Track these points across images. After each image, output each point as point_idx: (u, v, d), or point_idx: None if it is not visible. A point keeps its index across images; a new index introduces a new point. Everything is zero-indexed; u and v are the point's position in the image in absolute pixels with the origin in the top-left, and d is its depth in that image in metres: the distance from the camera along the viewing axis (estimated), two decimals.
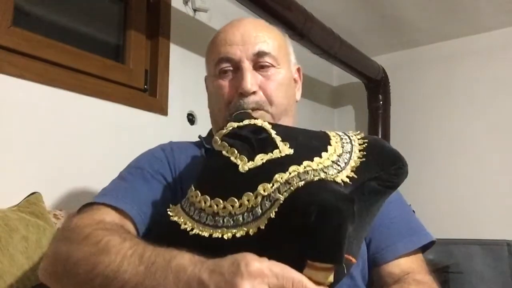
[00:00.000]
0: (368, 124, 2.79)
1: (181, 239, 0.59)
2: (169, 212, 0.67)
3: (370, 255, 0.82)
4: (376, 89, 2.76)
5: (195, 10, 1.95)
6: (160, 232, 0.69)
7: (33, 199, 1.09)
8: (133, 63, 1.70)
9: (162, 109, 1.74)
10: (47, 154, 1.32)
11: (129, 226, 0.72)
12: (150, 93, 1.74)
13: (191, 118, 1.89)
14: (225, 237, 0.58)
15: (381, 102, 2.75)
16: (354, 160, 0.64)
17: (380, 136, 2.71)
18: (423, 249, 0.85)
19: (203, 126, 1.88)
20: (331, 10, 2.35)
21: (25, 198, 1.10)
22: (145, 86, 1.74)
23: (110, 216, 0.71)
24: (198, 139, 0.95)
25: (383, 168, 0.64)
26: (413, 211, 2.49)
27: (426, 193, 2.60)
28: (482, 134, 2.55)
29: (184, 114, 1.86)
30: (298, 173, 0.59)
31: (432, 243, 0.85)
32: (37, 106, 1.32)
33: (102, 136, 1.49)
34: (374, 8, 2.36)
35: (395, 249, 0.81)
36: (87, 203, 0.75)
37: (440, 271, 2.29)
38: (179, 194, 0.73)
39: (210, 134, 0.98)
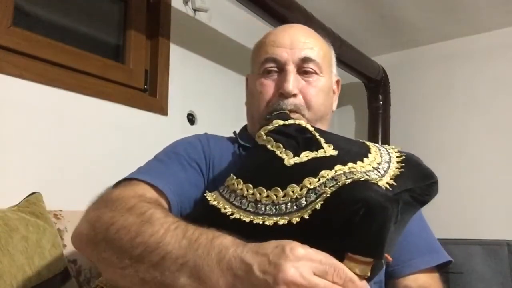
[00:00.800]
0: (368, 124, 2.79)
1: (220, 224, 0.59)
2: (208, 197, 0.68)
3: (389, 268, 0.84)
4: (376, 89, 2.76)
5: (195, 10, 1.95)
6: (197, 216, 0.69)
7: (33, 199, 1.09)
8: (133, 63, 1.70)
9: (162, 109, 1.74)
10: (47, 154, 1.32)
11: (165, 205, 0.73)
12: (150, 93, 1.74)
13: (191, 118, 1.89)
14: (267, 223, 0.58)
15: (381, 102, 2.75)
16: (393, 170, 0.67)
17: (380, 136, 2.71)
18: (439, 268, 0.88)
19: (203, 126, 1.88)
20: (331, 10, 2.35)
21: (25, 198, 1.10)
22: (145, 86, 1.74)
23: (150, 192, 0.72)
24: (232, 135, 0.96)
25: (416, 182, 0.66)
26: None
27: None
28: (482, 134, 2.55)
29: (184, 114, 1.86)
30: (344, 172, 0.61)
31: (448, 263, 0.88)
32: (37, 106, 1.32)
33: (102, 136, 1.49)
34: (374, 8, 2.36)
35: (414, 264, 0.83)
36: (125, 178, 0.76)
37: (440, 271, 2.29)
38: (211, 184, 0.75)
39: (244, 130, 0.99)
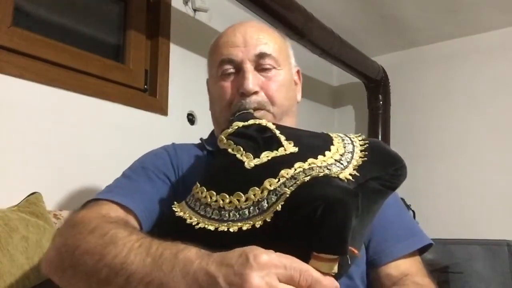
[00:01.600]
0: (368, 124, 2.79)
1: (186, 234, 0.59)
2: (174, 208, 0.67)
3: (369, 257, 0.83)
4: (376, 89, 2.76)
5: (195, 10, 1.95)
6: (165, 228, 0.69)
7: (33, 199, 1.09)
8: (133, 63, 1.70)
9: (162, 109, 1.74)
10: (47, 154, 1.32)
11: (134, 222, 0.73)
12: (150, 93, 1.74)
13: (191, 118, 1.89)
14: (231, 230, 0.58)
15: (381, 102, 2.75)
16: (356, 160, 0.66)
17: (380, 136, 2.71)
18: (421, 252, 0.86)
19: (203, 126, 1.88)
20: (331, 10, 2.35)
21: (25, 198, 1.10)
22: (145, 86, 1.74)
23: (115, 211, 0.72)
24: (199, 141, 0.96)
25: (383, 168, 0.66)
26: (413, 211, 2.50)
27: (426, 193, 2.60)
28: (482, 134, 2.55)
29: (184, 114, 1.86)
30: (304, 169, 0.61)
31: (429, 245, 0.86)
32: (37, 106, 1.32)
33: (102, 136, 1.49)
34: (374, 8, 2.36)
35: (393, 251, 0.82)
36: (91, 199, 0.76)
37: (440, 271, 2.29)
38: (181, 194, 0.74)
39: (212, 135, 0.99)
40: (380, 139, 2.69)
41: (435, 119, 2.72)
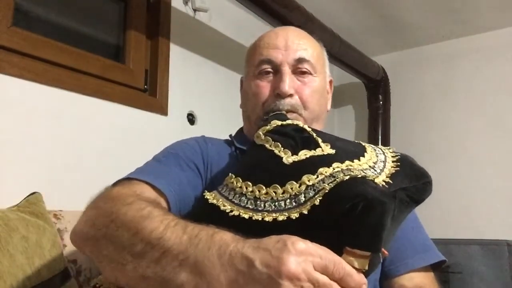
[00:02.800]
0: (368, 124, 2.79)
1: (219, 221, 0.59)
2: (206, 196, 0.68)
3: (384, 267, 0.84)
4: (376, 89, 2.76)
5: (195, 10, 1.95)
6: (196, 214, 0.69)
7: (33, 199, 1.09)
8: (133, 63, 1.70)
9: (162, 109, 1.74)
10: (47, 154, 1.32)
11: (164, 205, 0.73)
12: (150, 93, 1.74)
13: (191, 118, 1.89)
14: (266, 219, 0.59)
15: (381, 102, 2.75)
16: (388, 169, 0.68)
17: (380, 136, 2.71)
18: (434, 268, 0.88)
19: (203, 126, 1.88)
20: (331, 10, 2.35)
21: (25, 198, 1.10)
22: (145, 86, 1.74)
23: (148, 192, 0.72)
24: (228, 138, 0.97)
25: (411, 181, 0.67)
26: None
27: None
28: (482, 134, 2.55)
29: (184, 114, 1.86)
30: (342, 169, 0.62)
31: (443, 262, 0.88)
32: (37, 106, 1.32)
33: (102, 136, 1.49)
34: (374, 8, 2.36)
35: (408, 263, 0.84)
36: (123, 178, 0.76)
37: (440, 271, 2.29)
38: (209, 187, 0.75)
39: (240, 133, 1.00)
40: (380, 139, 2.69)
41: (435, 119, 2.72)
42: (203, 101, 1.91)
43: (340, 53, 2.30)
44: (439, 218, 2.52)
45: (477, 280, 2.39)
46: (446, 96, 2.70)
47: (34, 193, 1.12)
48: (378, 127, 2.74)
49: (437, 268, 0.88)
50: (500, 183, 2.46)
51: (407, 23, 2.53)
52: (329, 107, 0.99)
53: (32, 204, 1.06)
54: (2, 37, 1.26)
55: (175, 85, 1.81)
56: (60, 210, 1.18)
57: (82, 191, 1.37)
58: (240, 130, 1.00)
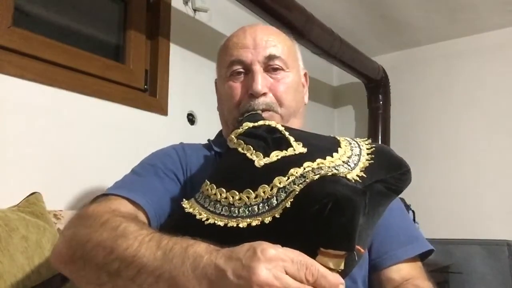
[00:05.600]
0: (368, 124, 2.79)
1: (196, 230, 0.60)
2: (183, 205, 0.68)
3: (371, 260, 0.84)
4: (376, 89, 2.76)
5: (195, 10, 1.95)
6: (174, 224, 0.70)
7: (33, 199, 1.09)
8: (133, 63, 1.70)
9: (162, 109, 1.74)
10: (47, 154, 1.32)
11: (143, 218, 0.74)
12: (150, 93, 1.74)
13: (191, 118, 1.89)
14: (241, 225, 0.59)
15: (381, 102, 2.75)
16: (363, 162, 0.68)
17: (380, 136, 2.71)
18: (422, 258, 0.87)
19: (203, 126, 1.88)
20: (331, 10, 2.35)
21: (25, 198, 1.10)
22: (145, 86, 1.74)
23: (125, 207, 0.73)
24: (206, 142, 0.97)
25: (389, 172, 0.67)
26: (413, 211, 2.50)
27: (426, 193, 2.60)
28: (482, 134, 2.55)
29: (184, 114, 1.86)
30: (312, 168, 0.62)
31: (430, 252, 0.87)
32: (37, 106, 1.32)
33: (102, 136, 1.49)
34: (374, 8, 2.36)
35: (395, 255, 0.83)
36: (101, 194, 0.76)
37: (440, 271, 2.29)
38: (189, 193, 0.75)
39: (219, 136, 1.00)
40: (380, 139, 2.69)
41: (435, 119, 2.72)
42: (203, 101, 1.91)
43: (340, 53, 2.30)
44: (439, 218, 2.52)
45: (477, 280, 2.39)
46: (446, 96, 2.70)
47: (34, 193, 1.12)
48: (378, 127, 2.74)
49: (425, 258, 0.88)
50: (500, 183, 2.46)
51: (407, 23, 2.53)
52: (306, 100, 0.98)
53: (32, 204, 1.06)
54: (2, 37, 1.26)
55: (175, 85, 1.81)
56: (60, 210, 1.18)
57: (82, 191, 1.38)
58: (220, 134, 1.00)
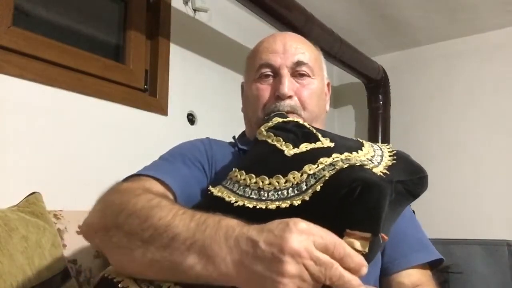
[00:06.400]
0: (368, 124, 2.79)
1: (225, 212, 0.60)
2: (211, 189, 0.70)
3: (383, 264, 0.86)
4: (376, 89, 2.77)
5: (195, 10, 1.95)
6: (202, 208, 0.71)
7: (33, 199, 1.09)
8: (133, 63, 1.70)
9: (162, 109, 1.74)
10: (47, 154, 1.32)
11: (171, 198, 0.76)
12: (150, 93, 1.74)
13: (191, 118, 1.89)
14: (270, 207, 0.61)
15: (381, 102, 2.75)
16: (385, 162, 0.70)
17: (380, 136, 2.72)
18: (431, 267, 0.89)
19: (203, 126, 1.88)
20: (331, 10, 2.35)
21: (25, 198, 1.10)
22: (145, 86, 1.74)
23: (156, 186, 0.75)
24: (232, 140, 0.99)
25: (409, 175, 0.69)
26: (413, 211, 2.50)
27: (426, 193, 2.59)
28: (482, 133, 2.55)
29: (184, 114, 1.86)
30: (341, 159, 0.65)
31: (441, 261, 0.89)
32: (37, 106, 1.32)
33: (102, 136, 1.49)
34: (374, 8, 2.37)
35: (406, 260, 0.85)
36: (132, 175, 0.78)
37: (440, 271, 2.29)
38: (214, 184, 0.76)
39: (243, 136, 1.02)
40: (380, 139, 2.69)
41: (435, 119, 2.72)
42: (203, 101, 1.91)
43: (340, 53, 2.30)
44: (439, 218, 2.52)
45: (477, 280, 2.39)
46: (446, 96, 2.70)
47: (34, 193, 1.12)
48: (378, 127, 2.74)
49: (435, 267, 0.89)
50: (500, 183, 2.46)
51: (407, 23, 2.53)
52: (327, 108, 1.03)
53: (32, 204, 1.06)
54: (2, 37, 1.26)
55: (175, 85, 1.81)
56: (60, 210, 1.18)
57: (82, 191, 1.38)
58: (243, 134, 1.03)
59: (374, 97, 2.77)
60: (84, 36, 1.61)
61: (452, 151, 2.63)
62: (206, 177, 0.86)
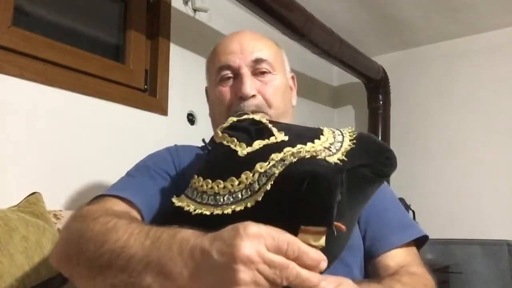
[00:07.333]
0: (368, 124, 2.79)
1: (184, 221, 0.61)
2: (173, 200, 0.70)
3: (365, 247, 0.86)
4: (376, 89, 2.76)
5: (195, 10, 1.95)
6: (163, 219, 0.72)
7: (33, 199, 1.09)
8: (133, 63, 1.70)
9: (162, 109, 1.74)
10: (47, 154, 1.32)
11: (136, 215, 0.76)
12: (150, 93, 1.74)
13: (191, 118, 1.89)
14: (225, 212, 0.61)
15: (381, 102, 2.75)
16: (345, 148, 0.69)
17: (380, 136, 2.71)
18: (418, 246, 0.89)
19: (203, 126, 1.88)
20: (331, 10, 2.35)
21: (25, 198, 1.10)
22: (145, 86, 1.74)
23: (118, 205, 0.75)
24: (202, 143, 0.98)
25: (372, 156, 0.69)
26: (413, 211, 2.50)
27: (426, 193, 2.60)
28: (482, 133, 2.55)
29: (184, 114, 1.86)
30: (292, 152, 0.64)
31: (425, 238, 0.89)
32: (37, 106, 1.32)
33: (102, 136, 1.49)
34: (374, 8, 2.37)
35: (389, 241, 0.85)
36: (97, 196, 0.79)
37: (440, 271, 2.29)
38: (183, 190, 0.76)
39: (213, 139, 1.00)
40: (380, 139, 2.69)
41: (435, 119, 2.72)
42: (203, 101, 1.90)
43: (340, 53, 2.30)
44: (439, 218, 2.52)
45: (477, 280, 2.39)
46: (445, 96, 2.70)
47: (34, 193, 1.12)
48: (378, 127, 2.74)
49: (421, 245, 0.89)
50: (500, 183, 2.46)
51: (407, 23, 2.53)
52: (294, 102, 1.01)
53: (32, 204, 1.07)
54: (2, 37, 1.26)
55: (175, 85, 1.81)
56: (60, 210, 1.18)
57: (82, 191, 1.38)
58: (213, 137, 1.02)
59: (374, 97, 2.77)
60: (84, 36, 1.61)
61: (452, 151, 2.62)
62: (174, 186, 0.85)
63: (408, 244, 0.86)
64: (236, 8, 2.09)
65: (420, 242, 0.88)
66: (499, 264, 2.36)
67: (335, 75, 3.09)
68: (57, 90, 1.37)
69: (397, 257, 0.84)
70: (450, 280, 2.40)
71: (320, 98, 2.91)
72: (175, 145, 0.98)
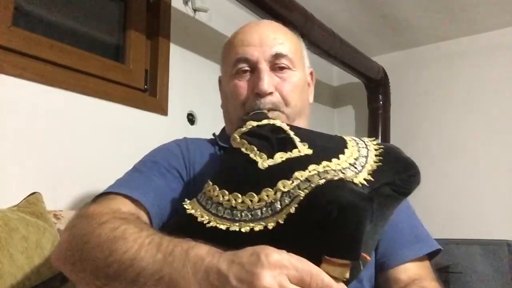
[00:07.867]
0: (368, 124, 2.79)
1: (197, 232, 0.58)
2: (185, 206, 0.67)
3: (377, 260, 0.83)
4: (376, 89, 2.76)
5: (195, 10, 1.95)
6: (175, 226, 0.69)
7: (33, 199, 1.09)
8: (133, 63, 1.70)
9: (162, 109, 1.74)
10: (47, 154, 1.32)
11: (144, 217, 0.73)
12: (150, 93, 1.74)
13: (191, 118, 1.89)
14: (243, 230, 0.58)
15: (381, 102, 2.75)
16: (371, 164, 0.66)
17: (380, 136, 2.71)
18: (430, 257, 0.86)
19: (203, 126, 1.88)
20: (331, 10, 2.35)
21: (25, 198, 1.10)
22: (145, 86, 1.74)
23: (126, 206, 0.71)
24: (211, 137, 0.96)
25: (397, 174, 0.65)
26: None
27: (426, 193, 2.59)
28: (482, 133, 2.55)
29: (184, 114, 1.86)
30: (318, 172, 0.60)
31: (438, 251, 0.86)
32: (37, 106, 1.32)
33: (102, 136, 1.49)
34: (374, 8, 2.36)
35: (402, 255, 0.82)
36: (102, 193, 0.75)
37: (440, 271, 2.29)
38: (193, 190, 0.73)
39: (223, 132, 0.98)
40: (380, 139, 2.69)
41: (435, 119, 2.72)
42: (203, 101, 1.91)
43: (340, 53, 2.30)
44: (439, 218, 2.52)
45: (477, 280, 2.39)
46: (446, 96, 2.70)
47: (34, 193, 1.12)
48: (378, 127, 2.74)
49: (434, 257, 0.86)
50: (500, 183, 2.46)
51: (407, 23, 2.53)
52: (311, 100, 0.96)
53: (32, 204, 1.06)
54: (2, 37, 1.26)
55: (175, 85, 1.81)
56: (60, 210, 1.18)
57: (82, 191, 1.38)
58: (223, 130, 0.98)
59: (374, 97, 2.77)
60: (84, 36, 1.61)
61: (452, 151, 2.62)
62: (184, 184, 0.82)
63: (421, 258, 0.83)
64: (236, 8, 2.09)
65: (432, 253, 0.85)
66: (499, 264, 2.36)
67: (335, 75, 3.08)
68: (57, 90, 1.37)
69: (409, 270, 0.81)
70: (450, 280, 2.40)
71: (320, 98, 2.91)
72: (185, 138, 0.93)
